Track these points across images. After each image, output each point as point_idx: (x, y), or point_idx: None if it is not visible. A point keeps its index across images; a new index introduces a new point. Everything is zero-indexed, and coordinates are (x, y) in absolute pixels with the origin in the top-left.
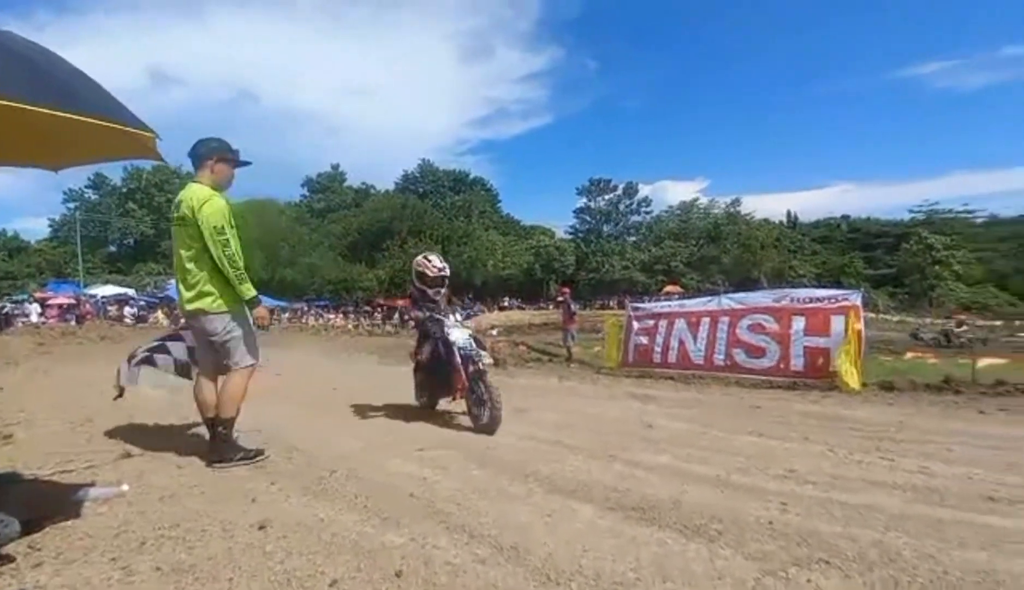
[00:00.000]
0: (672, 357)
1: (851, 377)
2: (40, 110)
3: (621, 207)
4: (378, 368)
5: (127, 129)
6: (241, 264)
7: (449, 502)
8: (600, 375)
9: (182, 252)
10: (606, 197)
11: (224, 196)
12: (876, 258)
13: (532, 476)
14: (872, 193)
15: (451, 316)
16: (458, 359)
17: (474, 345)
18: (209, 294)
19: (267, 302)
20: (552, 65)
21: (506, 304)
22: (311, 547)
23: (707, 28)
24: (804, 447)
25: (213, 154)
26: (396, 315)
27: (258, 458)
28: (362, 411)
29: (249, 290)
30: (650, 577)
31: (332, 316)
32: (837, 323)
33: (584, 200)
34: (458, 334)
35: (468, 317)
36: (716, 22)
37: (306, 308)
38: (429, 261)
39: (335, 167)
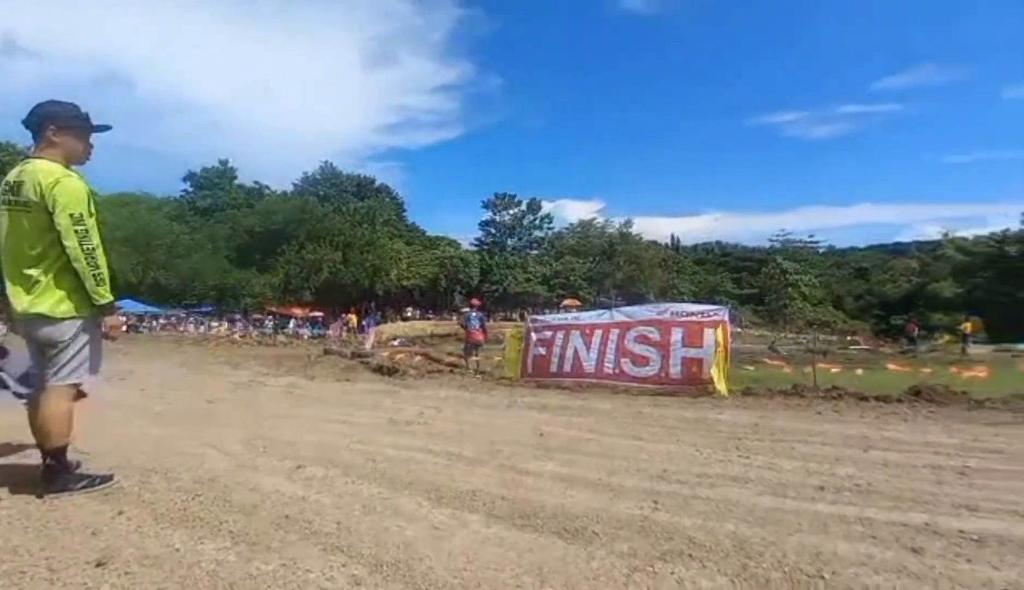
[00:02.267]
0: (567, 367)
1: (720, 384)
2: None
3: (525, 222)
4: (264, 380)
5: None
6: (102, 263)
7: (328, 522)
8: (500, 385)
9: (22, 244)
10: (510, 212)
11: (82, 176)
12: (742, 279)
13: (421, 489)
14: (740, 221)
15: None
16: None
17: None
18: (54, 296)
19: (133, 307)
20: (464, 80)
21: (409, 314)
22: (160, 584)
23: (605, 62)
24: (676, 449)
25: (52, 120)
26: (291, 324)
27: (104, 485)
28: (238, 426)
29: (105, 294)
30: (530, 583)
31: (216, 324)
32: (709, 335)
33: (489, 213)
34: None
35: (368, 327)
36: (612, 57)
37: (184, 315)
38: None
39: (224, 163)
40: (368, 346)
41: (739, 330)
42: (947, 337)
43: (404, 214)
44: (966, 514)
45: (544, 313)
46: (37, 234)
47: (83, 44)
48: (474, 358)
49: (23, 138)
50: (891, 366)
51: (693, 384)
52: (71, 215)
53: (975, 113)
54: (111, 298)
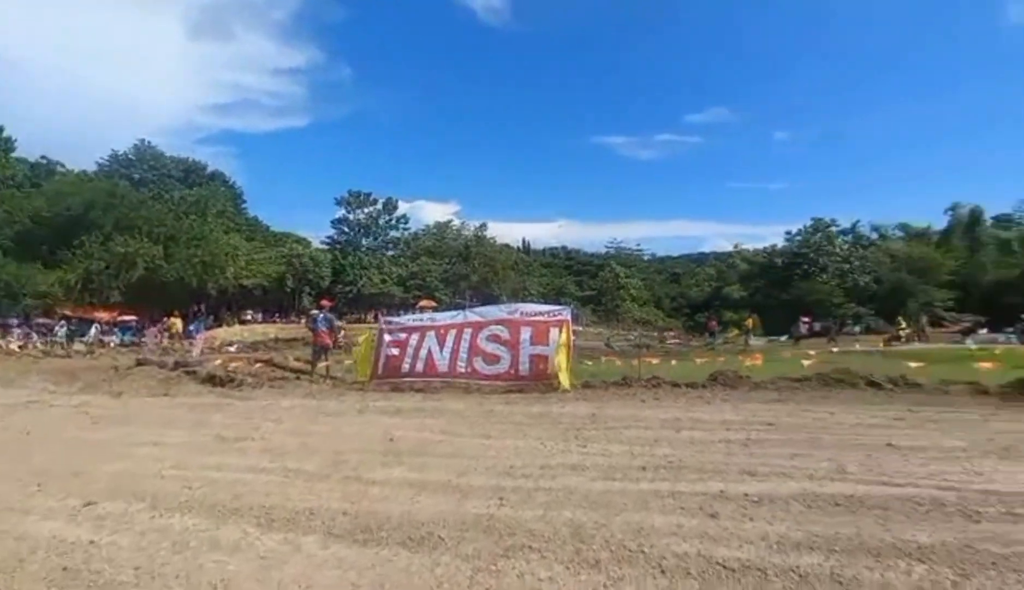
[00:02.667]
0: (420, 367)
1: (563, 379)
2: None
3: (380, 222)
4: (51, 399)
5: None
6: None
7: (125, 568)
8: (351, 391)
9: None
10: (366, 210)
11: None
12: (584, 282)
13: (249, 514)
14: (582, 229)
15: None
16: None
17: None
18: None
19: None
20: (312, 65)
21: (249, 317)
22: None
23: (459, 67)
24: (523, 444)
25: None
26: (93, 330)
27: None
28: (9, 460)
29: None
30: None
31: None
32: (554, 334)
33: (343, 211)
34: None
35: (196, 332)
36: (466, 64)
37: None
38: None
39: None
40: (196, 354)
41: (580, 328)
42: (735, 331)
43: (243, 206)
44: (748, 479)
45: (400, 314)
46: None
47: None
48: (323, 363)
49: None
50: (698, 360)
51: (540, 380)
52: None
53: (754, 150)
54: None
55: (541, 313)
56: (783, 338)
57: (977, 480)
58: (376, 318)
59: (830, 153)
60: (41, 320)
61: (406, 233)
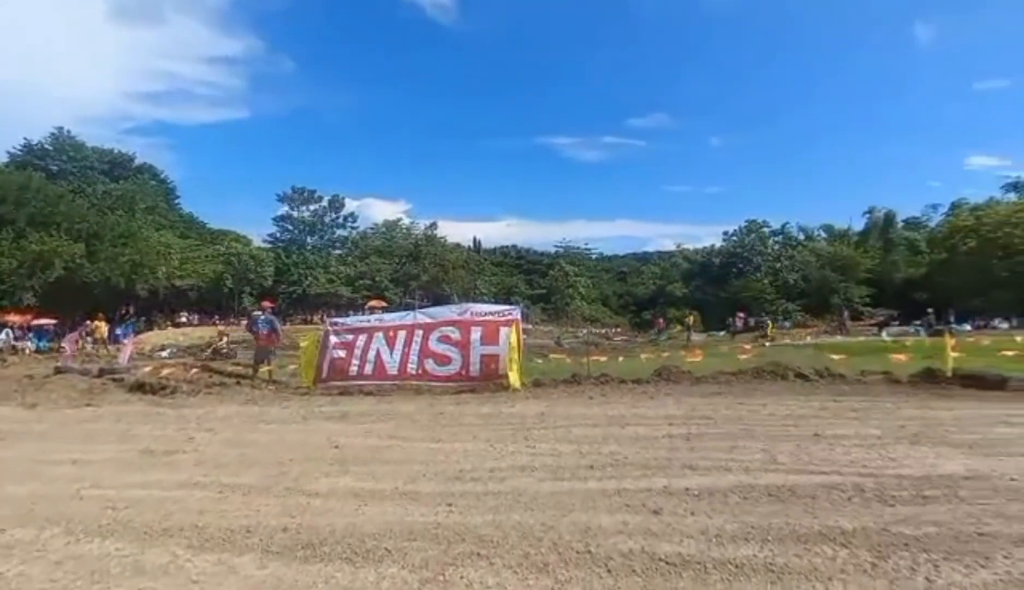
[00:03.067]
0: (368, 369)
1: (514, 378)
2: None
3: (327, 219)
4: None
5: None
6: None
7: None
8: (295, 396)
9: None
10: (311, 208)
11: None
12: (533, 280)
13: (177, 535)
14: (531, 228)
15: None
16: None
17: None
18: None
19: None
20: (250, 55)
21: (184, 319)
22: None
23: (405, 64)
24: (472, 446)
25: None
26: (3, 335)
27: None
28: None
29: None
30: None
31: None
32: (504, 333)
33: (286, 208)
34: None
35: (124, 336)
36: (412, 61)
37: None
38: None
39: None
40: (123, 360)
41: (531, 327)
42: (678, 327)
43: (177, 202)
44: (690, 474)
45: (349, 315)
46: None
47: None
48: (265, 367)
49: None
50: (643, 356)
51: (491, 380)
52: None
53: (691, 155)
54: None
55: (491, 313)
56: (721, 333)
57: (891, 466)
58: (323, 319)
59: (761, 158)
60: None
61: (354, 232)
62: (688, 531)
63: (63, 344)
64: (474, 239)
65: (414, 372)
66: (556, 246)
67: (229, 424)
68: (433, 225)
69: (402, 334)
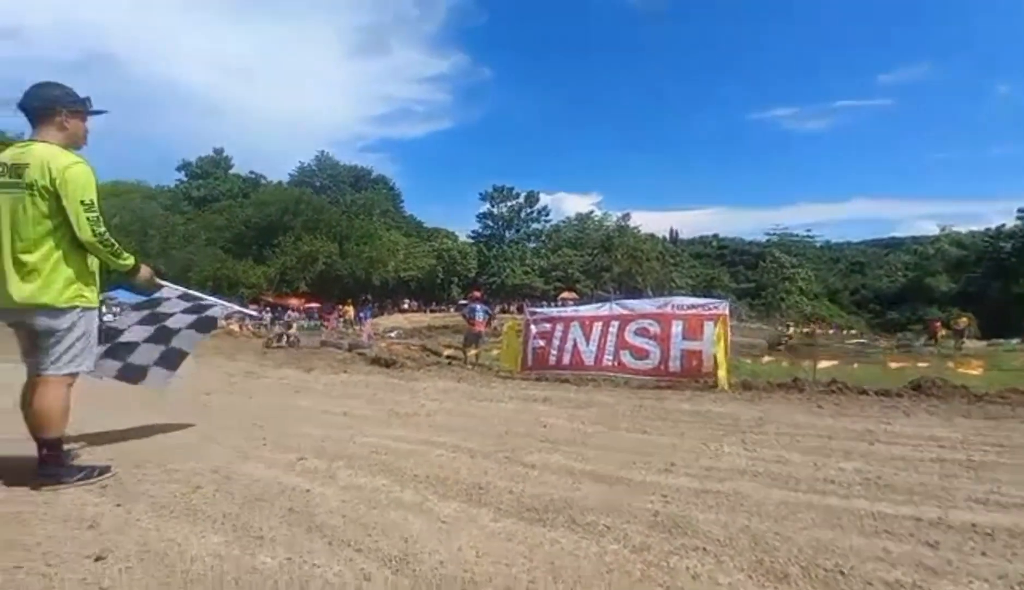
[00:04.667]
0: (566, 359)
1: (720, 377)
2: None
3: (523, 214)
4: (261, 371)
5: None
6: (112, 238)
7: (334, 515)
8: (498, 378)
9: (18, 229)
10: (508, 204)
11: (87, 161)
12: (739, 273)
13: (427, 482)
14: (737, 216)
15: None
16: None
17: None
18: (55, 285)
19: (127, 297)
20: (456, 70)
21: (406, 306)
22: (162, 578)
23: (598, 55)
24: (682, 442)
25: (62, 105)
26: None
27: (103, 477)
28: (234, 418)
29: (128, 259)
30: (542, 578)
31: None
32: (709, 328)
33: (487, 206)
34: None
35: (364, 319)
36: (605, 51)
37: None
38: None
39: (219, 152)
40: (364, 338)
41: (737, 323)
42: (943, 332)
43: (401, 206)
44: (977, 508)
45: (542, 305)
46: (37, 219)
47: (63, 23)
48: (473, 351)
49: (15, 128)
50: (892, 365)
51: (692, 376)
52: (82, 201)
53: (968, 109)
54: (133, 259)
55: (695, 306)
56: (1014, 341)
57: None
58: (520, 310)
59: None
60: (252, 307)
61: (547, 225)
62: (979, 573)
63: (326, 323)
64: (671, 229)
65: (610, 364)
66: (768, 234)
67: (449, 396)
68: (626, 216)
69: (598, 325)
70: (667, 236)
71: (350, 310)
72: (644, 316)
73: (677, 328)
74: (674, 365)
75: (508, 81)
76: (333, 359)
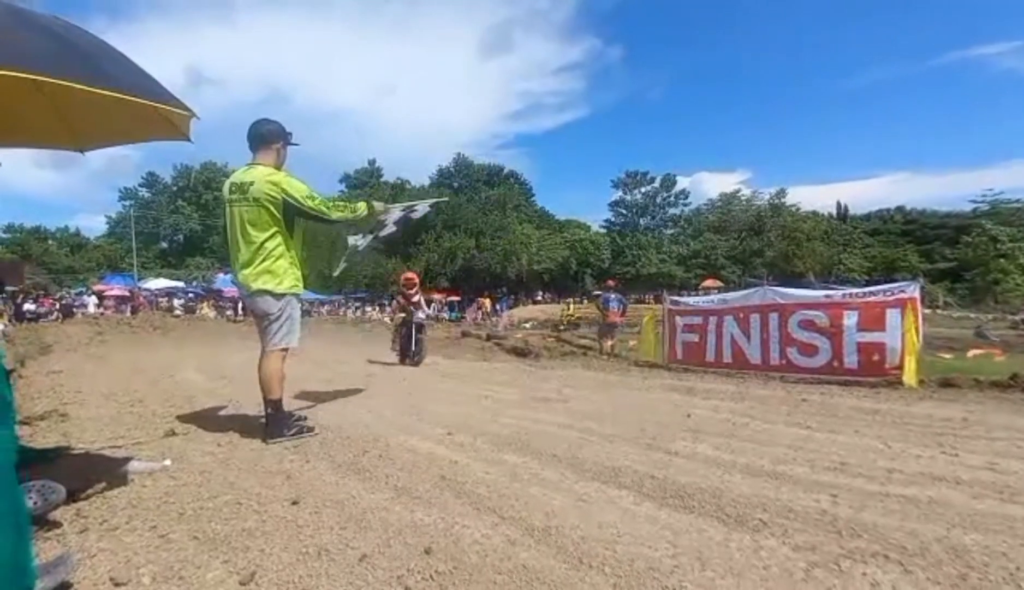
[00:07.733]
0: (727, 357)
1: (908, 373)
2: (66, 84)
3: (658, 200)
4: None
5: (160, 107)
6: (337, 204)
7: (479, 485)
8: (635, 368)
9: (253, 233)
10: (642, 190)
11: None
12: (933, 251)
13: (565, 462)
14: (928, 182)
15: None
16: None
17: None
18: (275, 275)
19: (305, 296)
20: (587, 57)
21: (540, 298)
22: (342, 522)
23: (740, 20)
24: (855, 441)
25: (279, 137)
26: (431, 308)
27: (308, 436)
28: (392, 396)
29: (361, 206)
30: (688, 564)
31: (369, 309)
32: (893, 316)
33: (620, 193)
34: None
35: (501, 310)
36: (748, 14)
37: (344, 301)
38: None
39: (372, 163)
40: (501, 328)
41: (930, 312)
42: None
43: (533, 199)
44: None
45: (681, 295)
46: (260, 226)
47: (251, 68)
48: (609, 341)
49: (222, 156)
50: None
51: (873, 374)
52: (309, 196)
53: None
54: (364, 204)
55: (873, 292)
56: None
57: None
58: (657, 299)
59: None
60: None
61: (687, 209)
62: None
63: (466, 315)
64: (838, 204)
65: (777, 362)
66: (974, 201)
67: (585, 384)
68: (780, 193)
69: (755, 317)
70: (833, 213)
71: (488, 302)
72: (808, 306)
73: (851, 319)
74: (850, 361)
75: (641, 61)
76: (473, 348)
